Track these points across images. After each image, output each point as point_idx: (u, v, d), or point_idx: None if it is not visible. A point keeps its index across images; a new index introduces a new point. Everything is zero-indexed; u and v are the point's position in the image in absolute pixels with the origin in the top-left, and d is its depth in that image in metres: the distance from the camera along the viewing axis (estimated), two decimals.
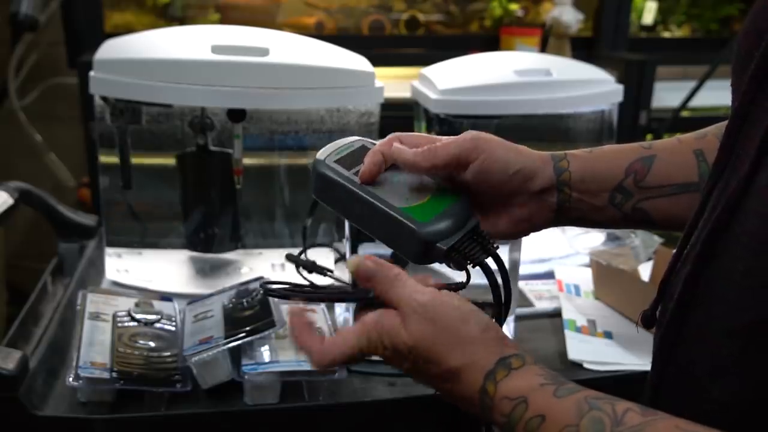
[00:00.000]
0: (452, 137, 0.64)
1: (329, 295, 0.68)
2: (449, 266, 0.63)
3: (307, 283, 0.76)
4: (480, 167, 0.62)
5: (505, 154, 0.63)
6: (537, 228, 0.66)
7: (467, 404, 0.54)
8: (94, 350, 0.87)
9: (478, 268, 0.63)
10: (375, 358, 0.63)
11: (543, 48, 1.95)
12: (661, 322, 0.54)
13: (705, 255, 0.49)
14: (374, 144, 0.66)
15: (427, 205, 0.63)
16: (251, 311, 0.93)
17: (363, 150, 0.65)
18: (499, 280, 0.63)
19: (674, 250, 0.55)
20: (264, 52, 1.07)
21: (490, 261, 0.63)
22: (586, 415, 0.46)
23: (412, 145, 0.64)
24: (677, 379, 0.52)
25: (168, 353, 0.90)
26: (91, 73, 1.06)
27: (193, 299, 1.03)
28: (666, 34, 2.44)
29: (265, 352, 0.89)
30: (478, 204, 0.65)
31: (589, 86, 1.28)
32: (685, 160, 0.65)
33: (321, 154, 0.64)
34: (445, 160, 0.62)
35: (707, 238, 0.49)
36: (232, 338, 0.87)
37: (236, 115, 1.09)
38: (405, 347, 0.54)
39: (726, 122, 0.64)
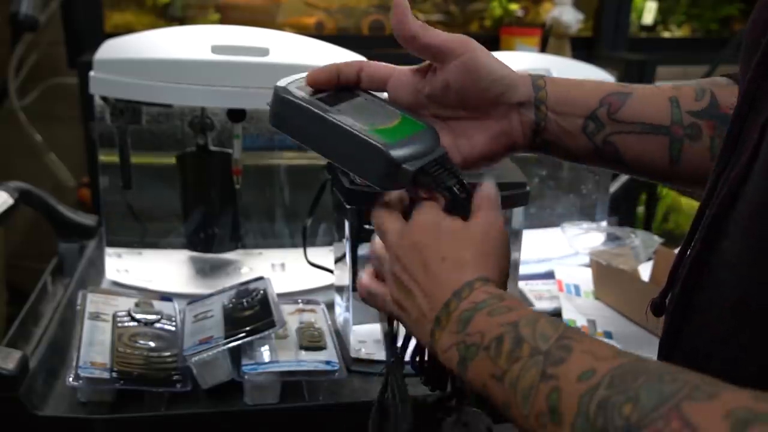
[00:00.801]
0: None
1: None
2: (413, 194, 0.62)
3: None
4: (467, 63, 0.62)
5: (492, 58, 0.63)
6: (514, 148, 0.66)
7: (440, 289, 0.55)
8: (94, 350, 0.87)
9: None
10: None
11: (543, 48, 1.95)
12: (668, 309, 0.55)
13: (709, 240, 0.49)
14: None
15: (394, 129, 0.62)
16: (251, 311, 0.93)
17: None
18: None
19: (677, 248, 0.55)
20: (264, 52, 1.07)
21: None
22: (550, 317, 0.50)
23: (377, 71, 0.65)
24: (682, 365, 0.53)
25: (168, 353, 0.90)
26: (91, 73, 1.06)
27: (193, 299, 1.03)
28: (666, 34, 2.44)
29: (265, 352, 0.89)
30: (454, 118, 0.64)
31: None
32: (659, 102, 0.65)
33: (282, 81, 0.64)
34: (438, 40, 0.62)
35: (711, 223, 0.49)
36: (232, 338, 0.87)
37: (236, 115, 1.09)
38: (451, 227, 0.58)
39: (711, 78, 0.65)
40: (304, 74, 0.65)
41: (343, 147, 0.61)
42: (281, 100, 0.63)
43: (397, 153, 0.59)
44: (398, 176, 0.60)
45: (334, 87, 0.64)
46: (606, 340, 1.03)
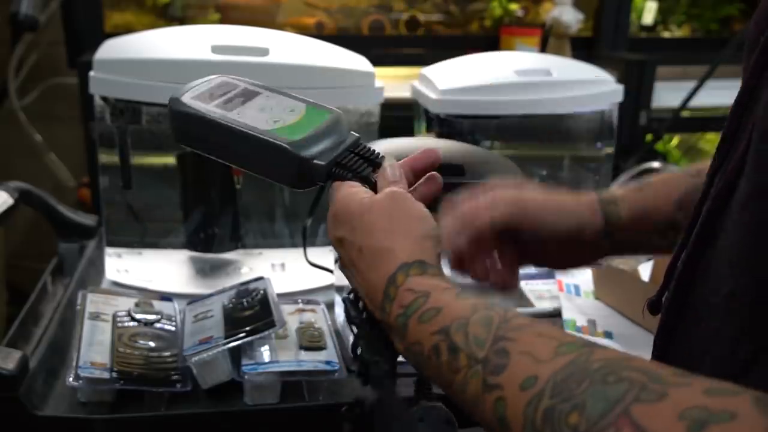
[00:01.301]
0: (481, 198, 0.64)
1: None
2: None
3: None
4: (528, 237, 0.64)
5: (551, 217, 0.65)
6: (594, 262, 0.69)
7: (372, 293, 0.54)
8: (94, 350, 0.87)
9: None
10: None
11: (543, 48, 1.95)
12: (664, 307, 0.55)
13: (704, 236, 0.49)
14: (237, 78, 0.62)
15: (298, 123, 0.58)
16: (251, 311, 0.93)
17: (224, 85, 0.62)
18: None
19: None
20: (264, 52, 1.07)
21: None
22: (479, 312, 0.48)
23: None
24: (674, 364, 0.53)
25: (168, 353, 0.90)
26: (91, 73, 1.06)
27: (193, 299, 1.03)
28: (666, 34, 2.44)
29: (265, 352, 0.89)
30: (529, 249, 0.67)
31: (589, 86, 1.28)
32: None
33: (176, 93, 0.60)
34: (485, 233, 0.63)
35: (706, 218, 0.49)
36: (232, 338, 0.87)
37: None
38: (359, 210, 0.55)
39: None
40: (198, 81, 0.62)
41: (248, 152, 0.58)
42: (176, 113, 0.59)
43: (305, 151, 0.56)
44: (311, 174, 0.57)
45: (232, 91, 0.62)
46: (606, 340, 1.03)
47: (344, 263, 0.57)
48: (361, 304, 0.58)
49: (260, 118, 0.58)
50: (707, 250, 0.49)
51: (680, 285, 0.51)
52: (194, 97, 0.60)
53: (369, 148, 0.60)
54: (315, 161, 0.56)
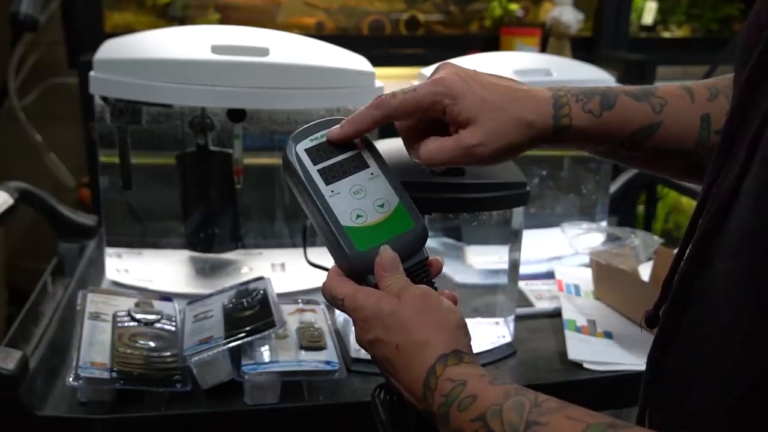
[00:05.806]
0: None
1: None
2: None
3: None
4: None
5: (505, 117, 0.63)
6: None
7: (413, 386, 0.57)
8: (94, 350, 0.87)
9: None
10: None
11: (543, 48, 1.96)
12: (660, 323, 0.55)
13: (698, 257, 0.49)
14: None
15: (375, 228, 0.61)
16: (251, 311, 0.93)
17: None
18: None
19: (676, 250, 0.55)
20: (264, 52, 1.07)
21: None
22: (511, 398, 0.51)
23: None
24: (668, 381, 0.53)
25: (168, 353, 0.90)
26: (91, 73, 1.06)
27: (193, 299, 1.03)
28: (666, 34, 2.44)
29: (265, 352, 0.89)
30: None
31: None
32: (688, 126, 0.64)
33: (297, 135, 0.63)
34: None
35: (699, 240, 0.49)
36: (232, 338, 0.87)
37: (236, 115, 1.09)
38: (390, 309, 0.58)
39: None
40: (323, 124, 0.64)
41: (322, 231, 0.62)
42: (285, 158, 0.63)
43: (361, 263, 0.60)
44: (365, 280, 0.61)
45: (344, 153, 0.63)
46: (606, 340, 1.03)
47: (379, 362, 0.60)
48: (394, 400, 0.62)
49: (347, 206, 0.61)
50: (702, 273, 0.49)
51: (676, 302, 0.52)
52: (308, 149, 0.63)
53: (428, 271, 0.63)
54: (369, 276, 0.61)
